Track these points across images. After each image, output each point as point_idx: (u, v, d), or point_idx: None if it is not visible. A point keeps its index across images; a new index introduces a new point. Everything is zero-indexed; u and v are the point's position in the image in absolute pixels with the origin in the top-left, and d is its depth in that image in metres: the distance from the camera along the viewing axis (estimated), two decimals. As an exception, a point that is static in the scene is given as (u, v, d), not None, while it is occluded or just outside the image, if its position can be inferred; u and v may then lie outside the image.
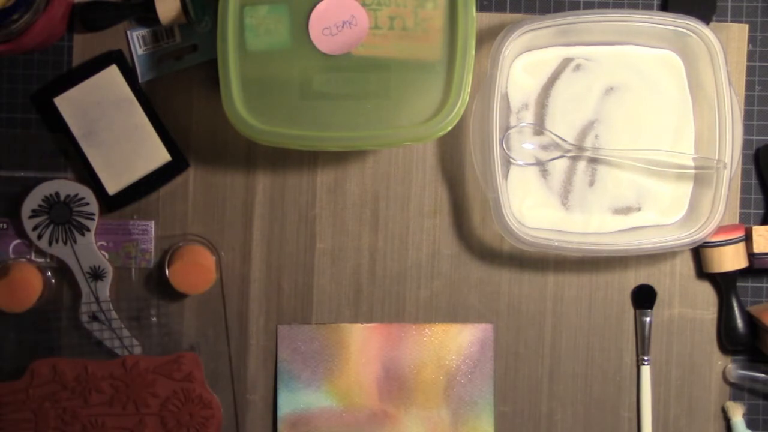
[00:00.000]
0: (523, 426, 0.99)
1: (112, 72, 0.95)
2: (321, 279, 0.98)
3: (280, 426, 0.98)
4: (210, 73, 0.96)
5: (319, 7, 0.87)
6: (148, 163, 0.96)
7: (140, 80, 0.96)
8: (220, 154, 0.97)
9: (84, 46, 0.96)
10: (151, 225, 0.97)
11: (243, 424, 0.98)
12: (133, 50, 0.96)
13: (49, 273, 0.97)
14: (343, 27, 0.87)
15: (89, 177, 0.96)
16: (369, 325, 0.99)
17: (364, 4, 0.87)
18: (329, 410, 0.98)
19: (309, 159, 0.98)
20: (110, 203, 0.96)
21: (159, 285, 0.97)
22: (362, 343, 0.98)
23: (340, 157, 0.98)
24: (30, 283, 0.93)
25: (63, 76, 0.96)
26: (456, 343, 0.98)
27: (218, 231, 0.98)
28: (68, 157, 0.96)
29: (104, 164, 0.96)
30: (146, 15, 0.94)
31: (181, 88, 0.97)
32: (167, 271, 0.94)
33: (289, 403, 0.98)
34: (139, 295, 0.97)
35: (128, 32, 0.96)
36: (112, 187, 0.96)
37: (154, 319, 0.97)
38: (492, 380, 0.99)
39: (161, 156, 0.96)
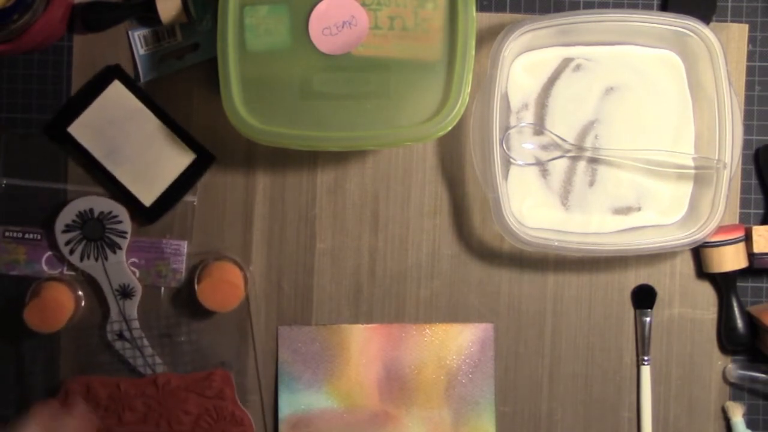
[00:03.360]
0: (524, 426, 0.99)
1: (116, 87, 0.95)
2: (321, 279, 0.98)
3: (281, 427, 0.98)
4: (210, 73, 0.96)
5: (319, 7, 0.87)
6: (176, 165, 0.96)
7: (142, 80, 0.96)
8: (220, 154, 0.97)
9: (84, 46, 0.96)
10: (184, 245, 0.97)
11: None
12: (134, 50, 0.96)
13: (80, 292, 0.96)
14: (343, 27, 0.87)
15: (122, 195, 0.95)
16: (369, 325, 0.98)
17: (364, 4, 0.87)
18: (330, 411, 0.98)
19: (309, 159, 0.98)
20: (149, 214, 0.96)
21: (188, 302, 0.96)
22: (363, 344, 0.98)
23: (340, 157, 0.98)
24: (61, 304, 0.92)
25: (69, 104, 0.95)
26: (456, 343, 0.98)
27: (218, 231, 0.98)
28: (98, 181, 0.96)
29: (134, 178, 0.95)
30: (147, 15, 0.94)
31: (181, 89, 0.97)
32: (196, 288, 0.93)
33: (290, 405, 0.98)
34: (169, 312, 0.97)
35: (129, 32, 0.96)
36: (147, 198, 0.96)
37: (184, 336, 0.97)
38: (493, 380, 0.99)
39: (186, 155, 0.96)
